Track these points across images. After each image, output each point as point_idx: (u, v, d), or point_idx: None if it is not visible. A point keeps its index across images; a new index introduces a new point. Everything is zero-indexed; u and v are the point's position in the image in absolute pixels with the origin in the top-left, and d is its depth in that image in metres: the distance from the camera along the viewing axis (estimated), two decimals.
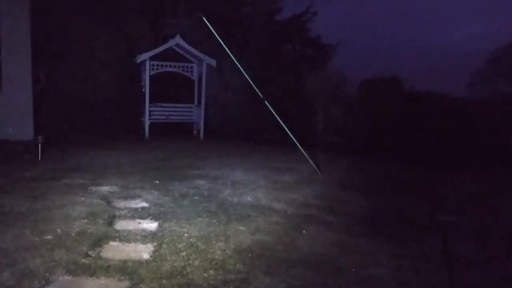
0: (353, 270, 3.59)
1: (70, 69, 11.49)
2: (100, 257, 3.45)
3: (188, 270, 3.33)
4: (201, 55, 12.52)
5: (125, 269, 3.26)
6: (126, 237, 3.95)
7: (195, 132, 13.32)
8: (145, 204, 5.09)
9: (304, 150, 7.92)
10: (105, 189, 5.73)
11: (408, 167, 9.89)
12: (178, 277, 3.20)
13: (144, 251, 3.65)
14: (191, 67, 13.23)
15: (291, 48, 18.64)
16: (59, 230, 3.99)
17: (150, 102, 12.29)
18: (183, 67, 13.12)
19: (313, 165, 7.88)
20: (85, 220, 4.34)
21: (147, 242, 3.86)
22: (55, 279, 3.04)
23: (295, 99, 13.76)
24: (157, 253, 3.61)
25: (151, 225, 4.35)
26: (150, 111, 12.35)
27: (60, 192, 5.37)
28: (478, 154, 10.58)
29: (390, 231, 4.76)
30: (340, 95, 14.08)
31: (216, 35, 7.79)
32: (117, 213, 4.68)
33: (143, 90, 12.37)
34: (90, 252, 3.53)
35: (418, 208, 5.99)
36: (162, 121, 12.75)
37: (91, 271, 3.18)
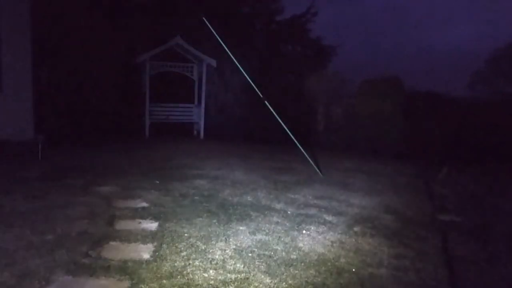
0: (353, 270, 3.59)
1: (70, 69, 11.49)
2: (100, 257, 3.45)
3: (188, 270, 3.33)
4: (201, 55, 12.53)
5: (125, 269, 3.26)
6: (126, 237, 3.95)
7: (195, 132, 13.32)
8: (145, 204, 5.10)
9: (304, 150, 7.91)
10: (105, 189, 5.73)
11: (408, 167, 9.89)
12: (178, 277, 3.20)
13: (144, 251, 3.65)
14: (191, 67, 13.23)
15: (291, 48, 18.66)
16: (59, 230, 3.99)
17: (150, 102, 12.30)
18: (183, 67, 13.13)
19: (313, 165, 7.88)
20: (85, 220, 4.34)
21: (147, 242, 3.86)
22: (55, 279, 3.05)
23: (295, 99, 13.76)
24: (157, 253, 3.62)
25: (151, 225, 4.35)
26: (150, 111, 12.36)
27: (60, 192, 5.37)
28: (478, 153, 10.58)
29: (390, 231, 4.76)
30: (341, 95, 14.06)
31: (216, 35, 7.79)
32: (117, 213, 4.69)
33: (143, 90, 12.38)
34: (90, 252, 3.54)
35: (418, 208, 6.00)
36: (162, 121, 12.75)
37: (91, 271, 3.18)
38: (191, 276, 3.23)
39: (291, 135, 7.83)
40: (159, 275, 3.19)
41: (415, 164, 10.22)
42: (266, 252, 3.82)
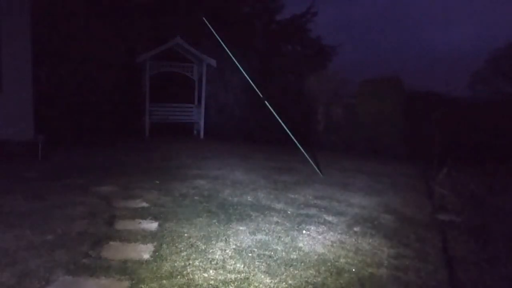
0: (353, 270, 3.59)
1: (70, 69, 11.48)
2: (100, 257, 3.45)
3: (188, 270, 3.33)
4: (201, 55, 12.52)
5: (125, 269, 3.26)
6: (126, 237, 3.95)
7: (195, 132, 13.33)
8: (145, 204, 5.10)
9: (304, 150, 7.91)
10: (105, 189, 5.73)
11: (408, 167, 9.89)
12: (178, 277, 3.20)
13: (144, 251, 3.65)
14: (191, 67, 13.22)
15: (291, 48, 18.67)
16: (59, 230, 3.99)
17: (150, 102, 12.30)
18: (183, 67, 13.12)
19: (313, 165, 7.88)
20: (85, 220, 4.34)
21: (147, 242, 3.87)
22: (55, 279, 3.05)
23: (295, 99, 13.76)
24: (157, 253, 3.62)
25: (151, 225, 4.35)
26: (150, 111, 12.35)
27: (60, 192, 5.37)
28: (478, 153, 10.58)
29: (390, 231, 4.76)
30: (341, 95, 14.06)
31: (216, 35, 7.79)
32: (117, 213, 4.69)
33: (143, 90, 12.38)
34: (90, 252, 3.54)
35: (418, 208, 6.00)
36: (162, 121, 12.75)
37: (91, 271, 3.18)
38: (191, 276, 3.23)
39: (291, 135, 7.83)
40: (159, 275, 3.19)
41: (415, 164, 10.22)
42: (266, 252, 3.82)
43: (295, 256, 3.78)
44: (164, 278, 3.15)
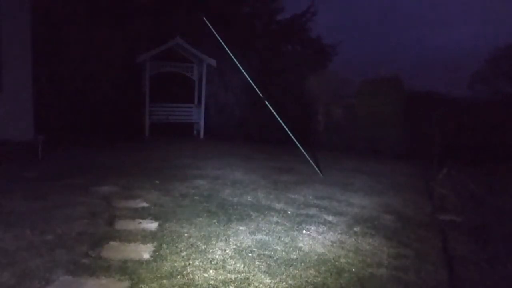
0: (353, 270, 3.59)
1: (70, 69, 11.49)
2: (100, 257, 3.45)
3: (188, 270, 3.33)
4: (201, 55, 12.52)
5: (125, 269, 3.26)
6: (126, 237, 3.95)
7: (195, 132, 13.33)
8: (145, 204, 5.10)
9: (304, 150, 7.91)
10: (105, 189, 5.73)
11: (408, 167, 9.88)
12: (178, 277, 3.20)
13: (144, 251, 3.65)
14: (191, 67, 13.22)
15: (291, 48, 18.66)
16: (59, 230, 3.99)
17: (150, 102, 12.30)
18: (183, 67, 13.12)
19: (314, 165, 7.88)
20: (85, 220, 4.34)
21: (147, 242, 3.87)
22: (55, 279, 3.05)
23: (295, 99, 13.76)
24: (157, 253, 3.62)
25: (151, 225, 4.35)
26: (150, 111, 12.35)
27: (60, 192, 5.37)
28: (478, 153, 10.57)
29: (390, 231, 4.76)
30: (341, 95, 14.06)
31: (217, 35, 7.79)
32: (117, 213, 4.69)
33: (143, 90, 12.38)
34: (90, 252, 3.54)
35: (418, 208, 6.00)
36: (162, 121, 12.75)
37: (91, 271, 3.18)
38: (191, 276, 3.23)
39: (291, 135, 7.83)
40: (159, 275, 3.19)
41: (415, 164, 10.22)
42: (266, 252, 3.82)
43: (295, 256, 3.78)
44: (164, 278, 3.15)
